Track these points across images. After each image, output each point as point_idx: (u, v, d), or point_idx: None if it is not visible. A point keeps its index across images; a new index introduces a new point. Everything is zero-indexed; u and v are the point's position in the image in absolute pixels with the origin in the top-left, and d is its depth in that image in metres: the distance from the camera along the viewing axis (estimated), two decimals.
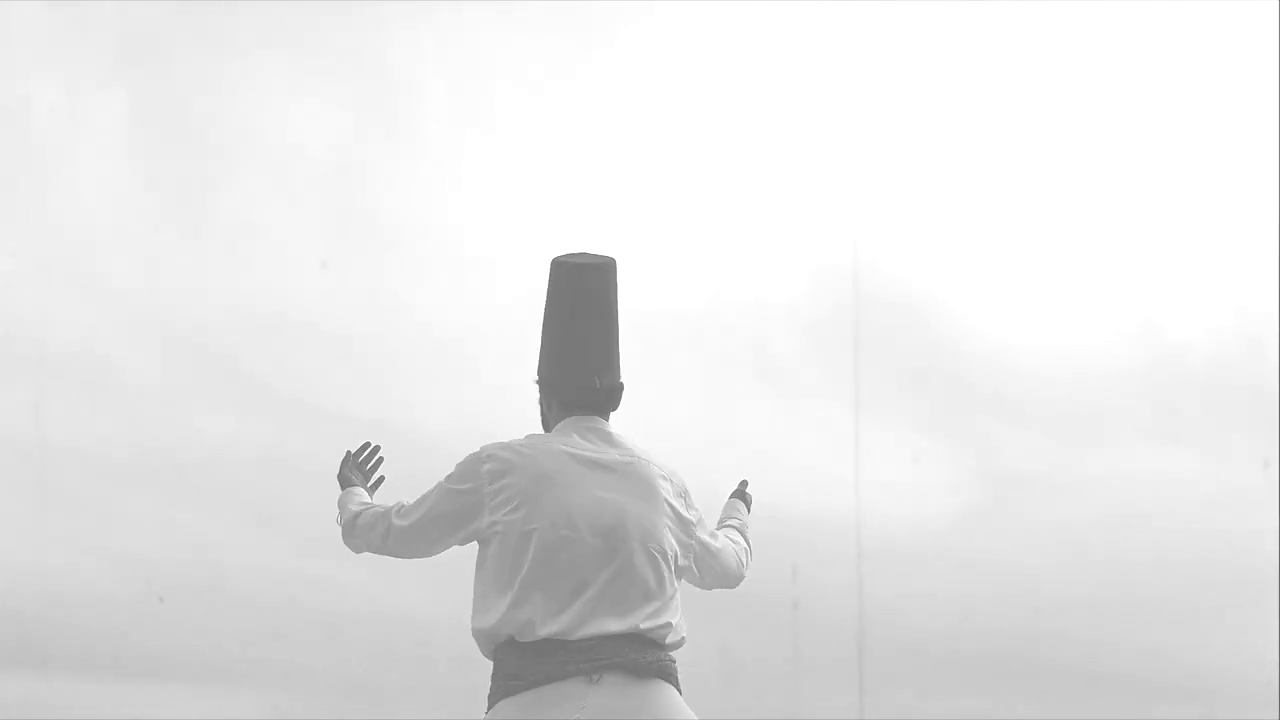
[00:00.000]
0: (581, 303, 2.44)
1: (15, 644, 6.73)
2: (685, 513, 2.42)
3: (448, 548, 2.47)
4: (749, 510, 2.79)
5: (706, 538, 2.47)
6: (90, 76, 7.52)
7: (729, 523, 2.72)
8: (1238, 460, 7.84)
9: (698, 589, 2.55)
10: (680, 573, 2.39)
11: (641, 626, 2.27)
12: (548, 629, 2.26)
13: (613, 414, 2.48)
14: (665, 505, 2.36)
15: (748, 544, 2.67)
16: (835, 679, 7.38)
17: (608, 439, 2.42)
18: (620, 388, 2.47)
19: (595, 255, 2.47)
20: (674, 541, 2.37)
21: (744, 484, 2.83)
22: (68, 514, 7.33)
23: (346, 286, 7.79)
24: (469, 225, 7.93)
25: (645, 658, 2.28)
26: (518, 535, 2.31)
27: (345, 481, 2.74)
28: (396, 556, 2.56)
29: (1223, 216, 8.22)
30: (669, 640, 2.32)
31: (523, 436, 2.42)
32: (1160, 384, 8.17)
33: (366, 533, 2.58)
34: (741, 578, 2.60)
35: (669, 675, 2.31)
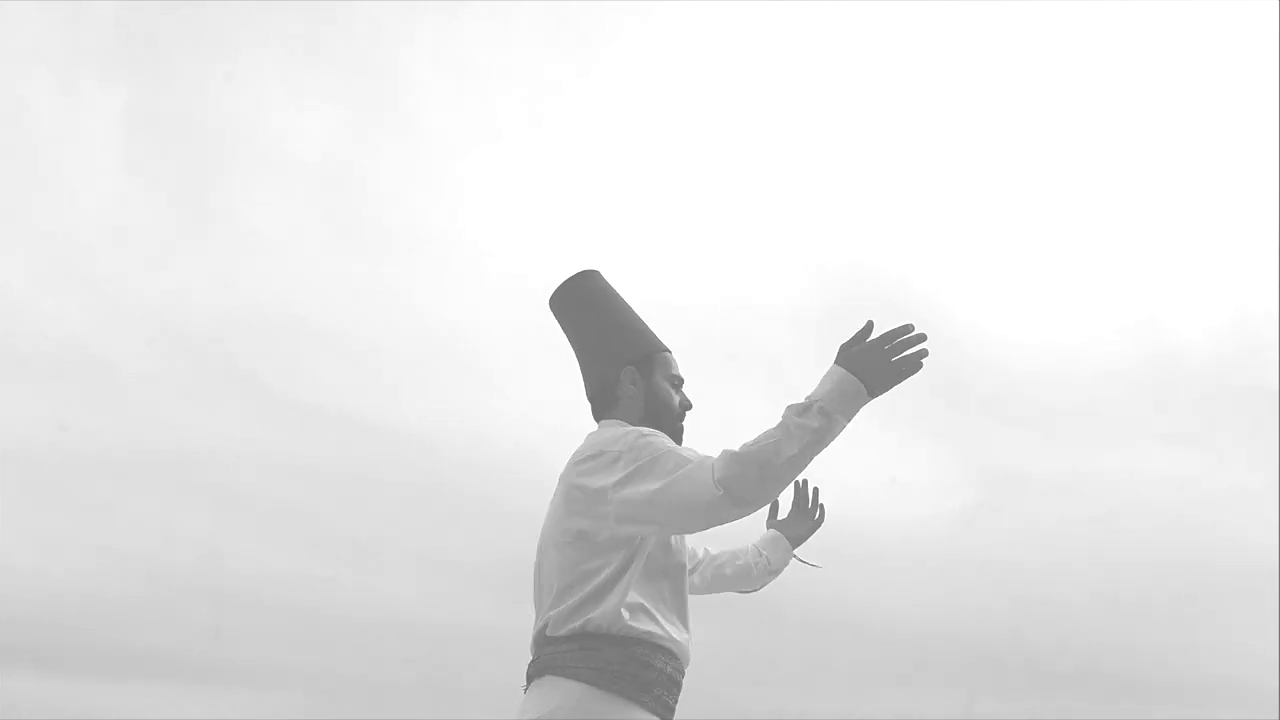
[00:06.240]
0: (565, 332, 2.59)
1: (15, 644, 6.73)
2: (598, 483, 2.30)
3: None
4: (866, 371, 2.19)
5: (635, 488, 2.26)
6: (88, 76, 7.52)
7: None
8: (1237, 460, 7.84)
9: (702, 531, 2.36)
10: (606, 545, 2.30)
11: (536, 629, 2.36)
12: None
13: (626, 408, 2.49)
14: (572, 492, 2.35)
15: (782, 433, 2.17)
16: (834, 678, 7.38)
17: (585, 441, 2.48)
18: (602, 387, 2.50)
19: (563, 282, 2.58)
20: (579, 523, 2.32)
21: (862, 331, 2.24)
22: (68, 514, 7.33)
23: (346, 286, 7.80)
24: (469, 226, 7.93)
25: (532, 657, 2.35)
26: None
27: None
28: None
29: (1223, 216, 8.23)
30: (560, 632, 2.29)
31: None
32: (1159, 383, 8.17)
33: None
34: (715, 499, 2.18)
35: (557, 668, 2.28)
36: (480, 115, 7.88)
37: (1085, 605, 7.77)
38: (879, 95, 7.96)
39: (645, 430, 2.34)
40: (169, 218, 7.69)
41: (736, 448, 2.19)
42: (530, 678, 2.33)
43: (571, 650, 2.27)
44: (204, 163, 7.72)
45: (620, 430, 2.38)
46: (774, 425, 2.19)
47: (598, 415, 2.51)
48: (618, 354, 2.49)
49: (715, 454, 2.22)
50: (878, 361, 2.20)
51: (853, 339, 2.22)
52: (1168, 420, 8.12)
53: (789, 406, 2.20)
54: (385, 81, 7.88)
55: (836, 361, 2.22)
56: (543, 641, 2.32)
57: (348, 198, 7.87)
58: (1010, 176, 8.20)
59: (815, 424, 2.17)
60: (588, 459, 2.36)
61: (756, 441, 2.18)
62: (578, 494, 2.34)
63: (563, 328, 2.58)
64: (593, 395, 2.51)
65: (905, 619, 7.46)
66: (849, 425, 2.21)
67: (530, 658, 2.36)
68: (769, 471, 2.16)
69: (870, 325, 2.21)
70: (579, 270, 2.56)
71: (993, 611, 7.62)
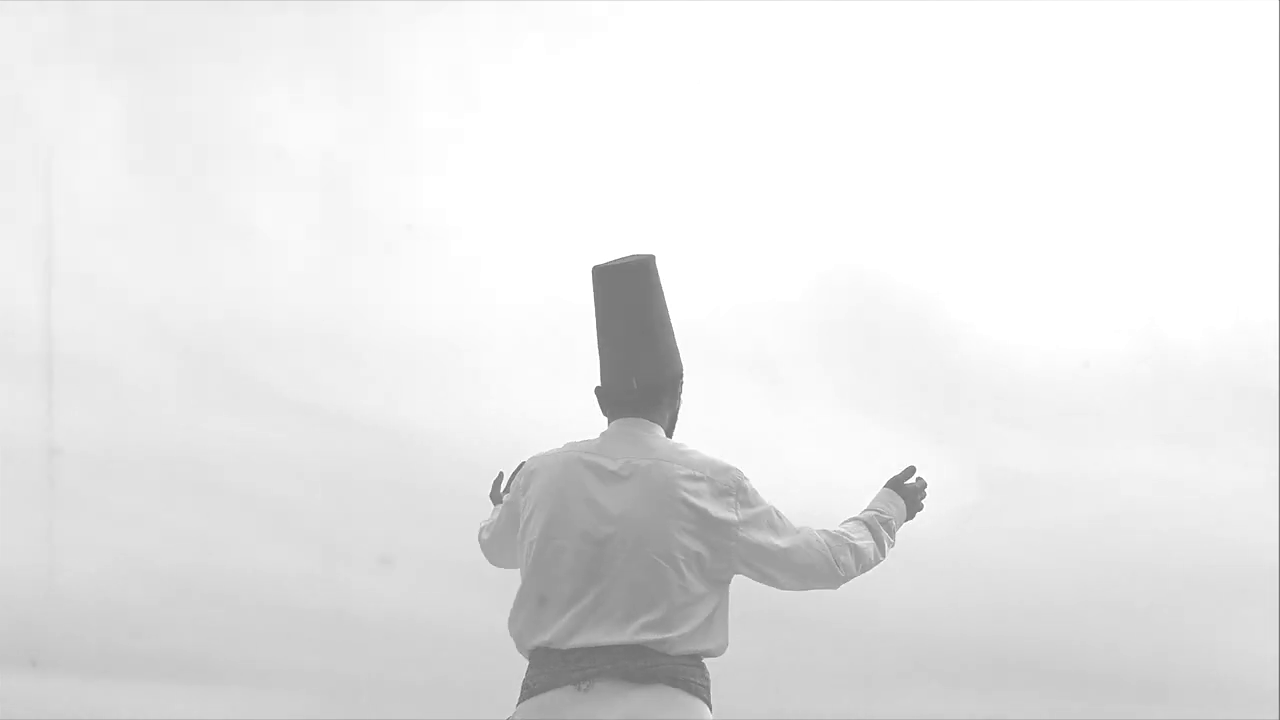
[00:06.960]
0: (608, 306, 2.45)
1: (15, 644, 6.73)
2: (720, 513, 2.32)
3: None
4: (909, 506, 2.67)
5: (763, 537, 2.36)
6: (89, 76, 7.52)
7: (860, 514, 2.61)
8: (1238, 460, 7.84)
9: (785, 591, 2.48)
10: (714, 574, 2.33)
11: (638, 639, 2.27)
12: (536, 640, 2.33)
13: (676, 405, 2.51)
14: (682, 508, 2.31)
15: (874, 540, 2.55)
16: (834, 678, 7.38)
17: (637, 441, 2.40)
18: (661, 385, 2.45)
19: (626, 257, 2.46)
20: (694, 544, 2.31)
21: (908, 471, 2.72)
22: (69, 514, 7.33)
23: (344, 287, 7.80)
24: (467, 226, 7.93)
25: (640, 664, 2.27)
26: (526, 545, 2.39)
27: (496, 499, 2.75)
28: (500, 567, 2.63)
29: (1223, 218, 8.23)
30: (676, 651, 2.29)
31: (564, 444, 2.45)
32: (1160, 384, 8.17)
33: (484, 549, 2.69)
34: (835, 576, 2.46)
35: (674, 679, 2.29)
36: (480, 116, 7.88)
37: (1085, 605, 7.77)
38: (878, 96, 7.96)
39: (741, 471, 2.43)
40: (169, 218, 7.69)
41: (835, 530, 2.51)
42: (607, 676, 2.27)
43: (692, 668, 2.33)
44: (204, 163, 7.72)
45: (713, 459, 2.39)
46: (861, 526, 2.56)
47: (629, 409, 2.44)
48: (678, 361, 2.48)
49: (808, 526, 2.48)
50: (914, 498, 2.68)
51: (903, 474, 2.69)
52: (1168, 421, 8.13)
53: (873, 516, 2.59)
54: (385, 81, 7.89)
55: (890, 487, 2.67)
56: (641, 652, 2.27)
57: (348, 198, 7.87)
58: (1010, 179, 8.21)
59: (891, 540, 2.61)
60: (695, 478, 2.35)
61: (860, 539, 2.53)
62: (690, 513, 2.32)
63: (612, 303, 2.44)
64: (638, 387, 2.43)
65: (905, 619, 7.46)
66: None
67: (595, 652, 2.29)
68: (864, 569, 2.53)
69: (913, 469, 2.71)
70: (645, 253, 2.48)
71: (993, 611, 7.62)
